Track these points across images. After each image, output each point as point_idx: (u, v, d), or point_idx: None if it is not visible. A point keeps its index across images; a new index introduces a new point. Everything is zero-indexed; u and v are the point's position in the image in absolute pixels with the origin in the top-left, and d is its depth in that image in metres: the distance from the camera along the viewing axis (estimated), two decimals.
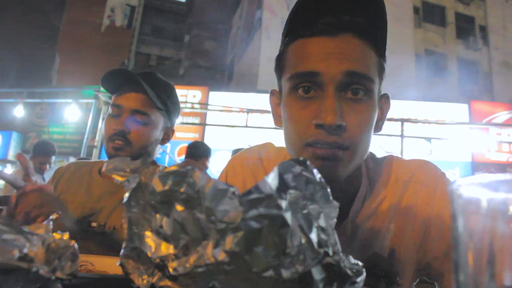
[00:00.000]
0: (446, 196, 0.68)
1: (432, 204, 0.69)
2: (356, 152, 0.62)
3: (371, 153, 0.77)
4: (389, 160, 0.76)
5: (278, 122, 0.73)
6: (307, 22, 0.63)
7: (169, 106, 1.20)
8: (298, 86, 0.63)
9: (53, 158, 3.76)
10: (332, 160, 0.61)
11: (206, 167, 3.03)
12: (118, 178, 0.38)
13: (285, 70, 0.67)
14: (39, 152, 3.67)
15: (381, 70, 0.66)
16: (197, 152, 3.12)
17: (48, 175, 3.63)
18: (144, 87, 1.11)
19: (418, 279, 0.74)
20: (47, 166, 3.71)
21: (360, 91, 0.61)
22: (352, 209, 0.70)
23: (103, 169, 0.39)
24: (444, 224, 0.67)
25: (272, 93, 0.76)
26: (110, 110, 1.16)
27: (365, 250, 0.69)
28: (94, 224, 1.06)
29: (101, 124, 5.52)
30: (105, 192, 1.12)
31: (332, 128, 0.59)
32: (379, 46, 0.65)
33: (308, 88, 0.62)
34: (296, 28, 0.65)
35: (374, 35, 0.64)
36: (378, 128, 0.69)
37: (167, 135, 1.24)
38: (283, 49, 0.69)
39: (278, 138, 0.84)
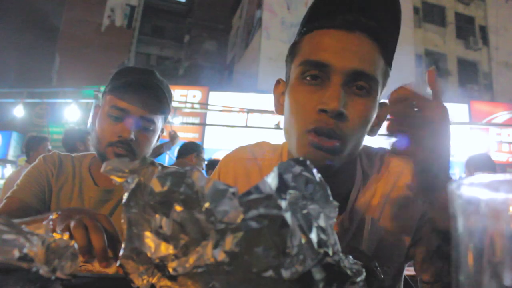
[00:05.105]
0: None
1: None
2: (348, 142, 0.65)
3: (366, 146, 0.80)
4: (383, 154, 0.79)
5: (280, 110, 0.76)
6: (326, 15, 0.67)
7: (170, 108, 1.16)
8: (306, 73, 0.66)
9: (48, 144, 3.70)
10: (330, 152, 0.64)
11: (195, 162, 3.17)
12: (117, 179, 0.38)
13: (296, 58, 0.70)
14: (31, 148, 3.64)
15: (385, 76, 0.69)
16: (184, 151, 3.32)
17: None
18: (165, 95, 1.07)
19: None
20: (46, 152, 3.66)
21: (364, 88, 0.65)
22: (348, 203, 0.73)
23: (102, 170, 0.39)
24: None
25: (278, 82, 0.79)
26: (108, 111, 1.05)
27: (357, 241, 0.72)
28: None
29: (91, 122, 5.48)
30: (98, 200, 1.07)
31: (334, 114, 0.62)
32: (388, 54, 0.68)
33: (316, 76, 0.65)
34: (315, 20, 0.69)
35: (386, 42, 0.68)
36: (372, 132, 0.73)
37: (160, 136, 1.17)
38: (298, 38, 0.72)
39: (278, 138, 0.84)
